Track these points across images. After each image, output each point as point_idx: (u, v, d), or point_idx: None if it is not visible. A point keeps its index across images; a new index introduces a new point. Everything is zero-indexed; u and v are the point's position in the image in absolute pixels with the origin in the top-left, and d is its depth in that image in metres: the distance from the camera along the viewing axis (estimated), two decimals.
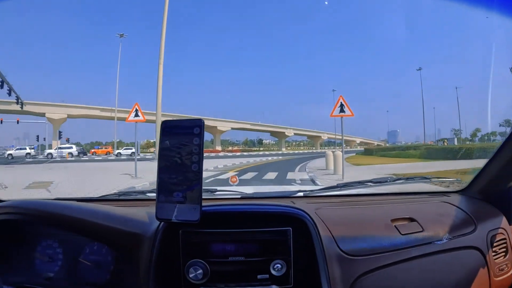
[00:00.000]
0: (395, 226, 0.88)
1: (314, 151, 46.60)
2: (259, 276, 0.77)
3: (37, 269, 0.89)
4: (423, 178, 1.22)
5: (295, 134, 70.13)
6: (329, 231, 0.83)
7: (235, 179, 1.95)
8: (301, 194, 1.11)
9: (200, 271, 0.74)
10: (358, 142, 74.31)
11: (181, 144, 0.65)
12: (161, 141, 0.67)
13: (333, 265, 0.77)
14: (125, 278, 0.83)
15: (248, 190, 1.20)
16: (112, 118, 24.05)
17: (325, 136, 62.10)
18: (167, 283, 0.76)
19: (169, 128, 0.67)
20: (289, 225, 0.80)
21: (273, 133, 68.29)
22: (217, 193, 1.11)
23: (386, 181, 1.15)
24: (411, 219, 0.92)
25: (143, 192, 1.19)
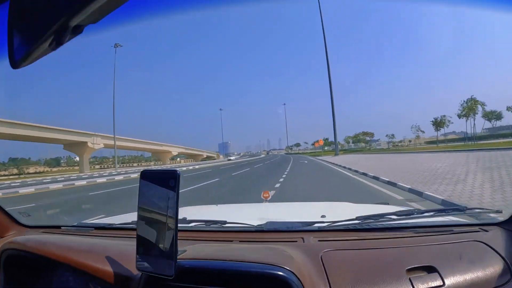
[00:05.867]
0: (409, 279, 0.70)
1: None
2: None
3: None
4: (456, 209, 1.06)
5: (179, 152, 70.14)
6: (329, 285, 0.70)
7: (268, 195, 1.96)
8: (316, 227, 1.01)
9: None
10: (205, 156, 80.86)
11: (158, 197, 0.65)
12: (140, 193, 0.66)
13: None
14: None
15: (261, 219, 1.09)
16: None
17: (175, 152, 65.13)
18: None
19: (148, 179, 0.66)
20: (276, 285, 0.68)
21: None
22: (227, 225, 1.06)
23: (412, 214, 1.03)
24: (431, 268, 0.73)
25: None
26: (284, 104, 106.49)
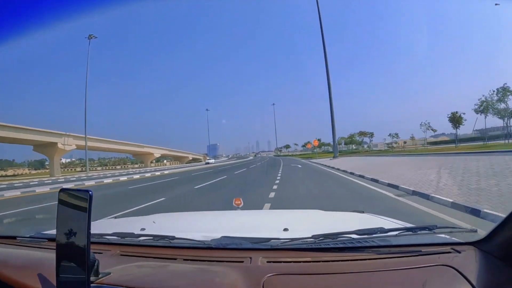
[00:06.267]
0: None
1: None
2: None
3: None
4: (425, 228, 0.94)
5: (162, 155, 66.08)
6: None
7: (239, 202, 1.93)
8: (269, 245, 0.92)
9: None
10: (190, 158, 79.03)
11: (73, 217, 0.65)
12: (57, 210, 0.66)
13: None
14: None
15: (218, 233, 1.02)
16: None
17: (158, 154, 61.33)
18: None
19: (65, 197, 0.66)
20: None
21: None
22: (175, 241, 1.00)
23: (375, 233, 0.92)
24: None
25: None
26: (273, 104, 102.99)
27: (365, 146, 59.93)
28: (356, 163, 16.41)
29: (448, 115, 32.85)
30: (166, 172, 24.17)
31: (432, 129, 40.03)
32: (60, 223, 0.66)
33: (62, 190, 0.67)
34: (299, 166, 20.08)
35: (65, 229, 0.65)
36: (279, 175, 13.15)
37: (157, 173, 23.02)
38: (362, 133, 56.36)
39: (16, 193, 12.75)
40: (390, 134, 50.12)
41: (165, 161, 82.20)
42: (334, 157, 26.14)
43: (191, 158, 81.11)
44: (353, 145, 69.71)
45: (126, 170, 42.47)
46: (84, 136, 39.72)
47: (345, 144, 73.70)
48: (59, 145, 41.63)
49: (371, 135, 53.97)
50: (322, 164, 19.09)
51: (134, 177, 19.84)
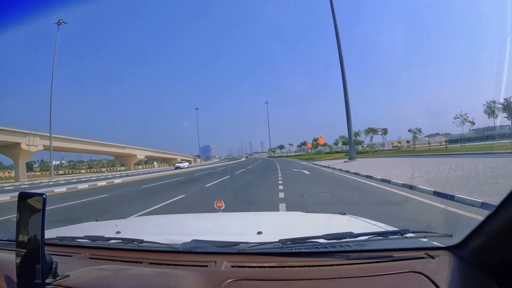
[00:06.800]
0: None
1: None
2: None
3: None
4: (396, 232, 0.91)
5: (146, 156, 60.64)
6: None
7: (221, 204, 1.90)
8: (235, 249, 0.91)
9: None
10: (179, 160, 74.28)
11: (30, 219, 0.66)
12: (17, 213, 0.67)
13: None
14: None
15: (188, 236, 1.00)
16: None
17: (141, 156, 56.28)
18: None
19: (23, 200, 0.67)
20: None
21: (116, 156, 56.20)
22: (143, 244, 0.99)
23: (344, 238, 0.89)
24: None
25: None
26: (267, 102, 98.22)
27: (364, 145, 54.85)
28: (403, 169, 10.43)
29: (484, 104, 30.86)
30: (116, 181, 17.93)
31: (471, 122, 36.31)
32: (18, 226, 0.66)
33: (21, 193, 0.67)
34: (307, 172, 13.85)
35: (23, 231, 0.66)
36: (281, 187, 8.36)
37: (116, 181, 17.88)
38: (371, 130, 49.57)
39: None
40: (410, 130, 44.38)
41: (155, 163, 77.39)
42: (351, 158, 19.33)
43: (179, 160, 76.30)
44: (359, 146, 64.81)
45: (95, 174, 37.48)
46: (54, 136, 34.36)
47: (343, 144, 69.36)
48: (23, 146, 36.20)
49: (384, 131, 47.63)
50: (341, 170, 12.90)
51: (79, 187, 14.94)
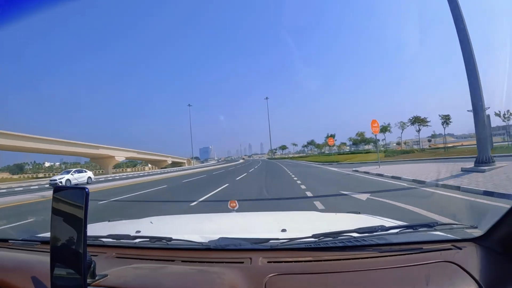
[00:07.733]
0: None
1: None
2: None
3: None
4: (425, 225, 0.94)
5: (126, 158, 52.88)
6: None
7: (235, 204, 1.93)
8: (269, 245, 0.93)
9: None
10: (169, 162, 67.37)
11: (69, 215, 0.63)
12: (52, 210, 0.64)
13: None
14: None
15: (215, 234, 1.01)
16: None
17: (121, 158, 48.78)
18: None
19: (60, 195, 0.64)
20: None
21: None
22: (172, 242, 1.00)
23: (376, 231, 0.93)
24: None
25: None
26: (267, 98, 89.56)
27: (381, 145, 46.73)
28: None
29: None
30: None
31: None
32: (55, 224, 0.64)
33: (57, 188, 0.65)
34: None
35: (60, 229, 0.63)
36: None
37: None
38: (417, 120, 34.44)
39: None
40: (440, 115, 33.06)
41: (148, 165, 69.82)
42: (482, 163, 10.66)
43: (170, 162, 68.41)
44: (365, 146, 56.54)
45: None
46: (5, 132, 26.73)
47: (354, 144, 61.33)
48: None
49: (424, 122, 34.67)
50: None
51: None
